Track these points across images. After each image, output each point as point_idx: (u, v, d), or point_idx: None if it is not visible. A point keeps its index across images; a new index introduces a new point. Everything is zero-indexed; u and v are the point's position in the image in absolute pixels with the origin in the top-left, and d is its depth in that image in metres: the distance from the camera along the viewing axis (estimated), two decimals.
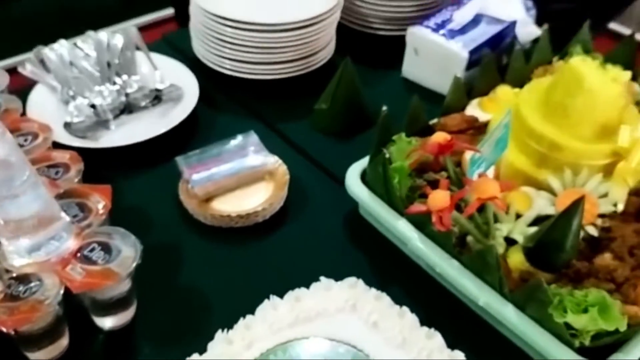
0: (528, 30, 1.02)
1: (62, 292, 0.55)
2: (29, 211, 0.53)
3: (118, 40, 0.96)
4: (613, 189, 0.68)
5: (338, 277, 0.67)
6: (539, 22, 1.03)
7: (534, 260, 0.63)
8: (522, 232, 0.65)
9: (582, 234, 0.64)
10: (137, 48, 0.98)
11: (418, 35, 0.98)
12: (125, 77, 0.93)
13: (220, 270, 0.70)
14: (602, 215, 0.67)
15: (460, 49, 0.94)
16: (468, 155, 0.68)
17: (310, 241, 0.75)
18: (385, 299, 0.61)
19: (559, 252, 0.61)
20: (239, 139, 0.81)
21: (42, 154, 0.68)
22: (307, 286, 0.64)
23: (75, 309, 0.60)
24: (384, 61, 1.07)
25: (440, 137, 0.64)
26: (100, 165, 0.78)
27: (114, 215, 0.68)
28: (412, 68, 1.02)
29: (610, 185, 0.68)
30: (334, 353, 0.56)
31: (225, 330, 0.59)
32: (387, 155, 0.66)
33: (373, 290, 0.62)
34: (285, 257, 0.72)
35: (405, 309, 0.61)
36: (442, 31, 0.97)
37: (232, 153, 0.79)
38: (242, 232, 0.75)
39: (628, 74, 0.73)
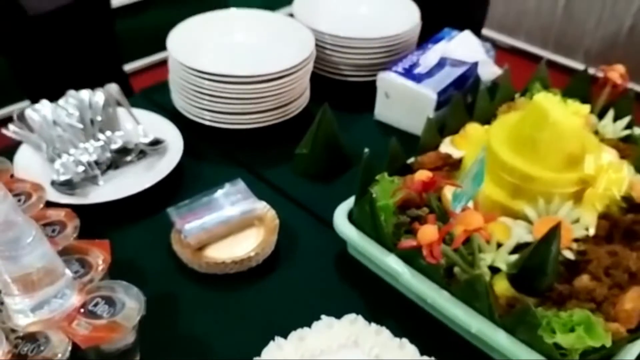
0: (489, 69, 1.08)
1: (69, 348, 0.55)
2: (34, 266, 0.54)
3: (99, 98, 0.98)
4: (584, 214, 0.73)
5: (334, 314, 0.69)
6: None
7: (518, 286, 0.66)
8: (504, 260, 0.69)
9: (560, 258, 0.68)
10: (119, 104, 1.00)
11: (388, 80, 1.03)
12: (108, 133, 0.94)
13: (220, 316, 0.71)
14: (576, 240, 0.71)
15: (428, 91, 0.99)
16: (449, 190, 0.72)
17: (303, 282, 0.77)
18: (385, 332, 0.64)
19: (542, 277, 0.65)
20: (226, 187, 0.83)
21: (37, 213, 0.69)
22: (306, 325, 0.66)
23: None
24: (357, 105, 1.11)
25: (423, 175, 0.68)
26: (91, 220, 0.78)
27: (111, 268, 0.69)
28: (384, 111, 1.07)
29: (581, 211, 0.73)
30: None
31: None
32: (374, 195, 0.69)
33: (373, 325, 0.65)
34: (281, 299, 0.74)
35: (405, 340, 0.63)
36: (410, 75, 1.02)
37: (222, 201, 0.81)
38: (237, 277, 0.76)
39: (587, 107, 0.78)
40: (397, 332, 0.66)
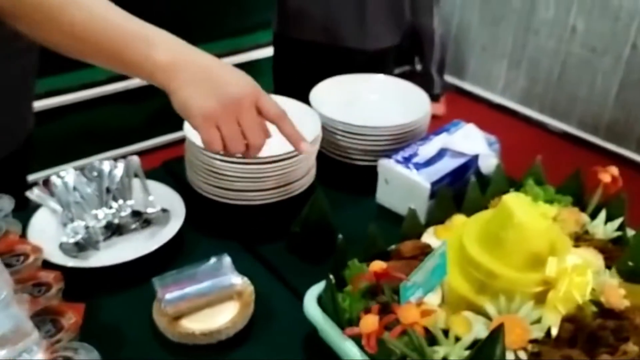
0: (490, 162, 1.11)
1: None
2: (1, 329, 0.61)
3: (119, 170, 1.07)
4: (546, 315, 0.73)
5: None
6: None
7: None
8: (458, 355, 0.69)
9: (513, 357, 0.68)
10: (136, 175, 1.09)
11: (387, 167, 1.07)
12: (121, 201, 1.03)
13: None
14: (535, 341, 0.71)
15: (423, 180, 1.02)
16: None
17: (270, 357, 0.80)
18: None
19: None
20: (212, 260, 0.88)
21: (30, 273, 0.76)
22: None
23: None
24: (361, 188, 1.16)
25: (376, 266, 0.71)
26: (87, 282, 0.86)
27: (91, 331, 0.75)
28: (384, 195, 1.11)
29: (544, 312, 0.73)
30: None
31: None
32: (333, 281, 0.73)
33: None
34: None
35: None
36: (408, 164, 1.06)
37: (206, 274, 0.86)
38: (209, 349, 0.80)
39: (554, 210, 0.79)
40: None
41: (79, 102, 2.68)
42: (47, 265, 0.84)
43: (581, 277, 0.73)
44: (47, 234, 0.95)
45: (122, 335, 0.82)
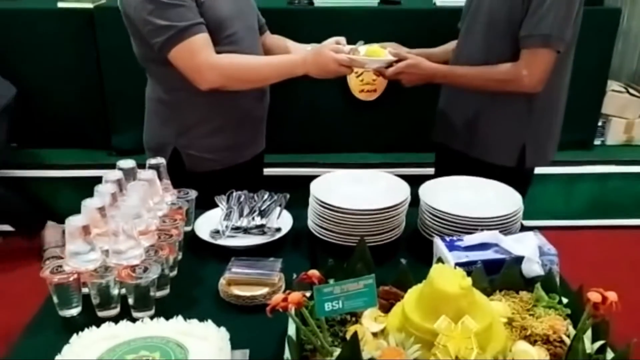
0: (531, 267, 1.12)
1: (115, 278, 1.01)
2: (125, 245, 1.04)
3: (270, 200, 1.46)
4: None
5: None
6: None
7: None
8: None
9: None
10: (280, 205, 1.46)
11: (436, 244, 1.20)
12: (259, 218, 1.40)
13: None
14: None
15: (450, 258, 1.12)
16: None
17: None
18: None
19: None
20: (270, 259, 1.18)
21: (169, 228, 1.18)
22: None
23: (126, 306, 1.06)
24: (429, 259, 1.28)
25: (310, 272, 0.91)
26: (210, 252, 1.26)
27: (186, 271, 1.14)
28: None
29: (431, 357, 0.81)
30: None
31: None
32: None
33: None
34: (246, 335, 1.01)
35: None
36: (450, 245, 1.17)
37: (261, 266, 1.16)
38: (239, 308, 1.10)
39: (469, 281, 0.85)
40: None
41: None
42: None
43: (464, 340, 0.79)
44: (209, 220, 1.39)
45: (200, 282, 1.18)
